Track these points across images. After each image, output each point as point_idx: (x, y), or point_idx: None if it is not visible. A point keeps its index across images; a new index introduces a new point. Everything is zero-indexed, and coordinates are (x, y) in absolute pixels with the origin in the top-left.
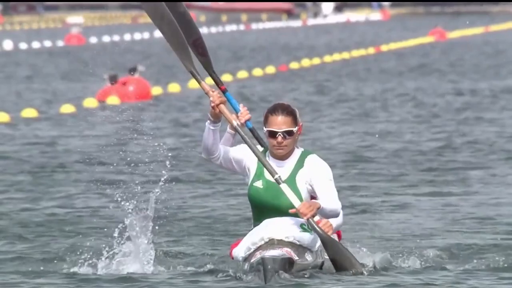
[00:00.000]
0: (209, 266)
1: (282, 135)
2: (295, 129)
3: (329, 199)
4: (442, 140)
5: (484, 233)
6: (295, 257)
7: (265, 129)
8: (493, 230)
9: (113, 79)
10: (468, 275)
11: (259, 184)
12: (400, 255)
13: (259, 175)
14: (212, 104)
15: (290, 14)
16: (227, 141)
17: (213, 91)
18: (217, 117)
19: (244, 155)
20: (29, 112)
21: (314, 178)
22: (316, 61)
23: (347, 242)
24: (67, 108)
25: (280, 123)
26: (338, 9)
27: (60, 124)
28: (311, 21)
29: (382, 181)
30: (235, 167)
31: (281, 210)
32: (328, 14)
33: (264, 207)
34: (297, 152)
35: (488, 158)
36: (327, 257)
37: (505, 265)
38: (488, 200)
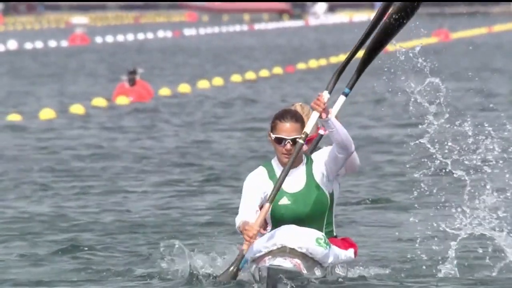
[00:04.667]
0: (215, 263)
1: (291, 143)
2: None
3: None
4: (454, 140)
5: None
6: (304, 270)
7: (272, 135)
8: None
9: (132, 81)
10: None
11: (285, 201)
12: (413, 258)
13: (280, 194)
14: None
15: (291, 15)
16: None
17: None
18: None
19: (258, 190)
20: (47, 113)
21: (325, 156)
22: (323, 61)
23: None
24: (78, 109)
25: (289, 130)
26: (330, 10)
27: (72, 124)
28: (314, 21)
29: (389, 181)
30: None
31: (315, 213)
32: (321, 14)
33: (299, 218)
34: (304, 159)
35: (504, 157)
36: (338, 271)
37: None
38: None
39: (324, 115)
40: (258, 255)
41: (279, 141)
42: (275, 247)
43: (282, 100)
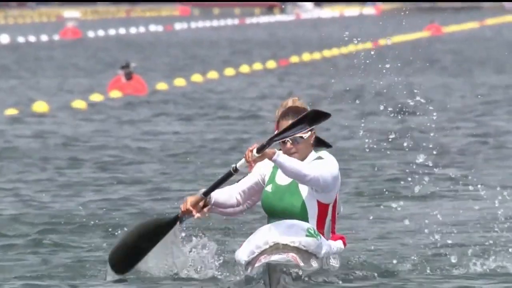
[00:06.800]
0: (210, 269)
1: (291, 142)
2: (306, 135)
3: (304, 163)
4: (450, 136)
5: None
6: (301, 263)
7: (275, 133)
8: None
9: (129, 76)
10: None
11: (268, 188)
12: (410, 257)
13: (271, 180)
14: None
15: (281, 9)
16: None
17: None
18: (203, 212)
19: (257, 172)
20: (40, 106)
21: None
22: (317, 55)
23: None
24: (78, 103)
25: None
26: (317, 5)
27: (69, 118)
28: (305, 15)
29: (386, 180)
30: (258, 187)
31: (286, 213)
32: (308, 9)
33: (274, 211)
34: (312, 156)
35: (494, 153)
36: (332, 263)
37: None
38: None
39: (250, 168)
40: (252, 256)
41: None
42: (267, 246)
43: (277, 93)
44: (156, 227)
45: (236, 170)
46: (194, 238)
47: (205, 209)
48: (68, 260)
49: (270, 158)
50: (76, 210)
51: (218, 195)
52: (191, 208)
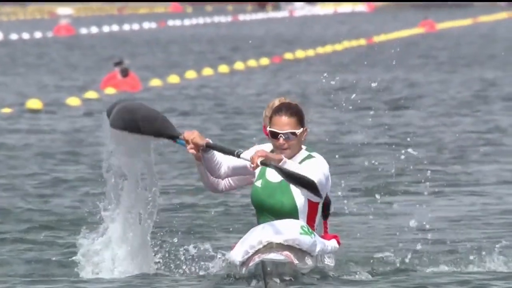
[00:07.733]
0: (203, 270)
1: (283, 137)
2: (298, 131)
3: (304, 169)
4: (446, 131)
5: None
6: (295, 261)
7: (268, 128)
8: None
9: (125, 72)
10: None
11: (258, 183)
12: (406, 255)
13: (261, 175)
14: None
15: (263, 6)
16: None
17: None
18: (196, 153)
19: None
20: (34, 103)
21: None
22: (311, 52)
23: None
24: (72, 100)
25: (283, 124)
26: (309, 4)
27: (64, 116)
28: (298, 12)
29: (382, 176)
30: (244, 172)
31: (275, 209)
32: (299, 7)
33: (262, 207)
34: (303, 154)
35: (491, 149)
36: (327, 262)
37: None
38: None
39: (252, 169)
40: (246, 256)
41: (272, 134)
42: (261, 246)
43: (271, 90)
44: (161, 125)
45: (238, 156)
46: (190, 237)
47: (199, 153)
48: (62, 257)
49: (253, 169)
50: (72, 206)
51: (216, 153)
52: (191, 142)
